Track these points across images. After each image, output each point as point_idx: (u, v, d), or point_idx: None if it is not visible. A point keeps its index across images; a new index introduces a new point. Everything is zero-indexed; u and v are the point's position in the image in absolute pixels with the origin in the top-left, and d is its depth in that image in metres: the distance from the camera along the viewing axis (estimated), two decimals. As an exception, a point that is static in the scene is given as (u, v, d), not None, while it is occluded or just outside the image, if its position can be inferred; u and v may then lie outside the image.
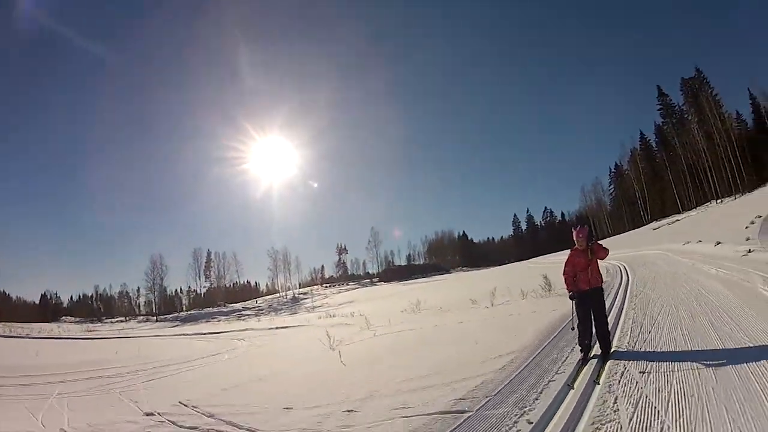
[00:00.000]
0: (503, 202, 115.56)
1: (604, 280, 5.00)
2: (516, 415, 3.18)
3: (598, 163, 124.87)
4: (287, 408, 4.78)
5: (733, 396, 2.78)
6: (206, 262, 76.17)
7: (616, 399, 3.12)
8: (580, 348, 4.60)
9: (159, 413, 5.73)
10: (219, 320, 52.15)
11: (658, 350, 4.27)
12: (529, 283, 14.20)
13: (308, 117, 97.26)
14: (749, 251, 9.79)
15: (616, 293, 8.83)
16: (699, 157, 46.74)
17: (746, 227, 14.93)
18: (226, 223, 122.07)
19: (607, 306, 5.51)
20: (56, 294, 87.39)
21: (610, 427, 2.73)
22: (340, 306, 44.66)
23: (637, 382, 3.36)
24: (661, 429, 2.53)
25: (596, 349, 4.52)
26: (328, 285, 79.26)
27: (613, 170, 68.36)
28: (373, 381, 5.32)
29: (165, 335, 32.53)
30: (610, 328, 4.76)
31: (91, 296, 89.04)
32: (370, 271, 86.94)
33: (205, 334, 28.68)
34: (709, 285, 7.54)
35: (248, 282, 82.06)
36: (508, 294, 14.18)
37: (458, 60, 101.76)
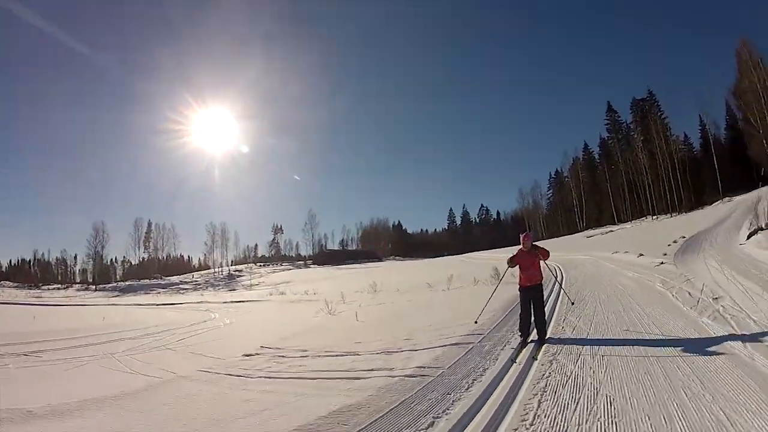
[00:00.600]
0: (440, 196, 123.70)
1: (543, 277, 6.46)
2: (499, 347, 5.58)
3: (539, 167, 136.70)
4: (357, 342, 6.95)
5: (627, 357, 5.02)
6: (146, 233, 79.12)
7: (549, 371, 4.28)
8: (519, 333, 5.88)
9: (257, 353, 7.40)
10: (158, 293, 54.63)
11: (584, 333, 6.04)
12: (474, 273, 17.06)
13: (251, 90, 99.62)
14: (661, 263, 13.12)
15: (552, 287, 11.66)
16: (640, 174, 53.25)
17: (669, 245, 18.75)
18: (166, 194, 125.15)
19: (544, 297, 7.32)
20: None
21: (547, 390, 3.72)
22: (278, 285, 46.35)
23: (563, 359, 4.63)
24: (582, 386, 3.71)
25: (534, 335, 5.86)
26: (262, 264, 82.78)
27: (553, 176, 75.16)
28: (403, 328, 7.66)
29: (119, 304, 34.56)
30: (546, 318, 6.10)
31: (30, 261, 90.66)
32: (303, 254, 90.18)
33: (163, 305, 30.85)
34: (624, 282, 10.60)
35: (181, 255, 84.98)
36: (458, 281, 17.00)
37: (405, 41, 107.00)
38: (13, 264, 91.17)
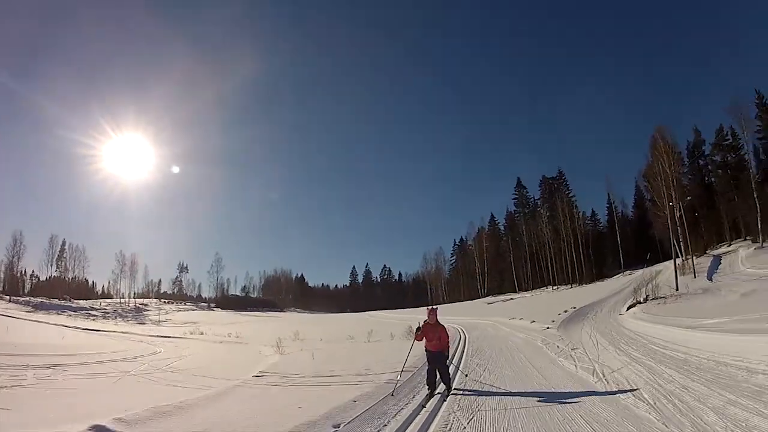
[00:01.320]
0: (344, 252, 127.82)
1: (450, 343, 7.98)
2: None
3: (444, 234, 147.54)
4: (331, 370, 9.72)
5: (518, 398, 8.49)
6: (60, 251, 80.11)
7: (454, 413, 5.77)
8: (427, 387, 7.20)
9: (262, 375, 9.75)
10: (70, 315, 54.80)
11: (483, 384, 8.24)
12: (388, 329, 20.16)
13: (164, 118, 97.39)
14: (547, 328, 17.04)
15: (457, 346, 14.83)
16: (543, 247, 60.47)
17: (559, 314, 23.06)
18: (78, 214, 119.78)
19: (451, 352, 10.08)
20: None
21: (454, 425, 5.24)
22: (185, 324, 48.56)
23: (468, 405, 6.20)
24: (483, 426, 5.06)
25: (440, 388, 7.29)
26: (166, 301, 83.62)
27: (457, 243, 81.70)
28: (357, 363, 10.36)
29: (47, 323, 35.56)
30: (451, 371, 7.78)
31: None
32: (204, 295, 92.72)
33: (93, 330, 32.67)
34: (515, 341, 14.25)
35: (85, 279, 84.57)
36: (376, 335, 20.02)
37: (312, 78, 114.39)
38: None
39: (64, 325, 34.90)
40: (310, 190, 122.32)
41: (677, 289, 22.07)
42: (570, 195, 61.82)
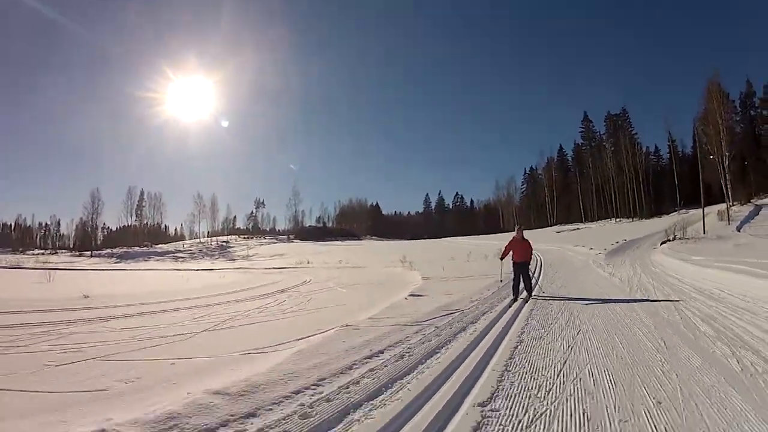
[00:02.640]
0: (416, 180, 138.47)
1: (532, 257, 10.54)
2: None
3: (513, 163, 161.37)
4: (467, 276, 17.28)
5: (582, 298, 15.73)
6: (138, 201, 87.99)
7: (532, 309, 8.22)
8: (512, 293, 9.65)
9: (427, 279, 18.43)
10: (158, 260, 61.86)
11: (555, 289, 16.17)
12: (478, 252, 27.70)
13: (230, 60, 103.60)
14: (599, 254, 24.02)
15: (536, 266, 21.96)
16: (607, 181, 65.63)
17: (612, 243, 29.66)
18: (145, 163, 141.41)
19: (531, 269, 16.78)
20: None
21: (533, 318, 7.22)
22: (273, 257, 56.49)
23: (543, 304, 8.99)
24: (556, 318, 7.30)
25: (523, 295, 9.83)
26: (245, 236, 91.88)
27: (528, 172, 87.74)
28: (477, 271, 18.01)
29: (158, 269, 40.01)
30: (533, 284, 10.67)
31: (11, 226, 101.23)
32: (278, 228, 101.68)
33: (205, 270, 36.27)
34: (575, 260, 21.43)
35: (158, 224, 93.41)
36: (471, 256, 27.56)
37: (394, 25, 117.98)
38: None
39: (172, 269, 38.41)
40: (387, 118, 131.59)
41: (704, 233, 28.25)
42: (632, 132, 66.40)
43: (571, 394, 3.67)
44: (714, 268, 12.25)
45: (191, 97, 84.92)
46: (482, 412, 3.42)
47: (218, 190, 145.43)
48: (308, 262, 38.44)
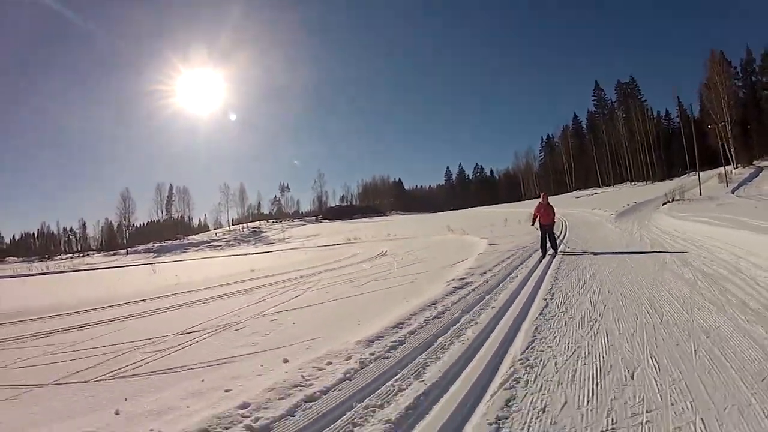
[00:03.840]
0: (435, 153, 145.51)
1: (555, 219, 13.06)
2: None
3: (530, 133, 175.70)
4: (513, 234, 24.47)
5: (602, 252, 22.67)
6: (168, 196, 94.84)
7: (560, 262, 10.50)
8: (540, 251, 11.91)
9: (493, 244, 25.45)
10: (197, 250, 67.58)
11: (576, 243, 22.71)
12: (510, 218, 34.80)
13: (244, 48, 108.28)
14: (611, 215, 30.95)
15: (562, 228, 28.72)
16: (621, 146, 72.06)
17: (623, 206, 36.54)
18: (167, 156, 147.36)
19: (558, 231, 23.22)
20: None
21: (561, 270, 9.28)
22: (308, 237, 63.11)
23: (570, 258, 11.87)
24: (583, 270, 9.25)
25: (549, 252, 12.13)
26: (274, 221, 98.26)
27: (545, 141, 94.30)
28: (517, 231, 25.14)
29: (217, 257, 44.61)
30: (558, 242, 12.83)
31: (34, 234, 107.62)
32: (302, 210, 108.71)
33: (263, 252, 41.71)
34: (593, 220, 28.49)
35: (181, 216, 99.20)
36: (508, 222, 34.49)
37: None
38: (15, 239, 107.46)
39: (230, 256, 43.43)
40: (404, 97, 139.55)
41: (700, 194, 35.06)
42: (642, 99, 72.79)
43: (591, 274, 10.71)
44: (687, 220, 18.37)
45: (203, 90, 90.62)
46: (554, 282, 8.12)
47: (238, 179, 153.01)
48: (356, 239, 44.46)
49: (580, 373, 3.60)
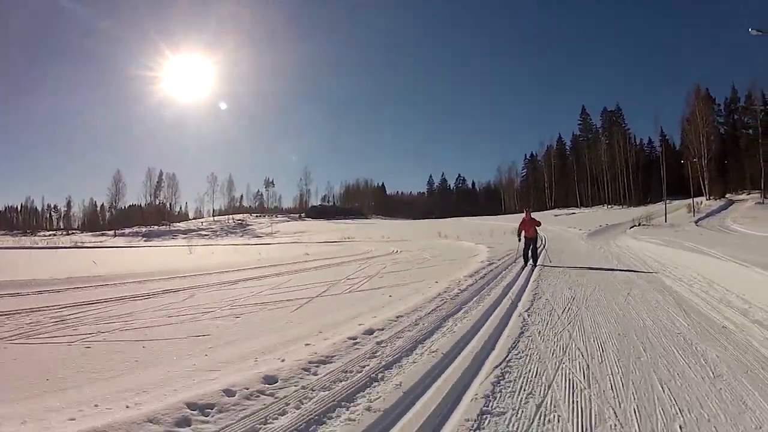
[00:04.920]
0: (419, 161, 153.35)
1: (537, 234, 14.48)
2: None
3: (513, 148, 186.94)
4: (500, 243, 29.78)
5: (572, 267, 28.07)
6: (157, 182, 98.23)
7: (539, 274, 11.51)
8: (523, 261, 13.56)
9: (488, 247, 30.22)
10: (185, 237, 69.38)
11: (553, 260, 28.64)
12: (494, 230, 40.24)
13: (231, 37, 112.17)
14: (585, 234, 36.55)
15: (540, 240, 34.12)
16: (601, 171, 78.51)
17: (598, 226, 42.22)
18: (152, 142, 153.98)
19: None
20: None
21: (540, 282, 10.00)
22: (295, 234, 67.24)
23: (547, 271, 14.78)
24: (556, 283, 10.40)
25: (530, 263, 13.50)
26: (257, 215, 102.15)
27: (528, 158, 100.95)
28: (504, 240, 30.43)
29: (214, 245, 46.96)
30: (538, 254, 14.35)
31: (17, 208, 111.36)
32: (284, 207, 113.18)
33: (263, 244, 43.28)
34: (567, 237, 34.00)
35: (162, 203, 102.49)
36: (493, 234, 39.83)
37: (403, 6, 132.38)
38: None
39: (233, 245, 46.58)
40: (392, 102, 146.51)
41: (666, 221, 40.97)
42: (626, 128, 79.14)
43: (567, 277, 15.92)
44: (642, 241, 23.87)
45: (191, 77, 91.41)
46: (537, 286, 9.78)
47: (217, 169, 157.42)
48: (349, 238, 48.86)
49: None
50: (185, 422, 2.90)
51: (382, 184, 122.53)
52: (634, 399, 3.43)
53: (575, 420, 3.10)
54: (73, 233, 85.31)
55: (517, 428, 3.00)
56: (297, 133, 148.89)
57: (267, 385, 3.56)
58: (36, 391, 3.70)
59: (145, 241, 67.08)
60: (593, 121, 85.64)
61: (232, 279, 12.03)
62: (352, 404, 3.36)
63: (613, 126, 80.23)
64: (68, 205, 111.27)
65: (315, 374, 3.89)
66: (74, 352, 4.94)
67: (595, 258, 17.18)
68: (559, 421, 3.08)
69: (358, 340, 4.97)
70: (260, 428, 2.92)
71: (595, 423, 3.05)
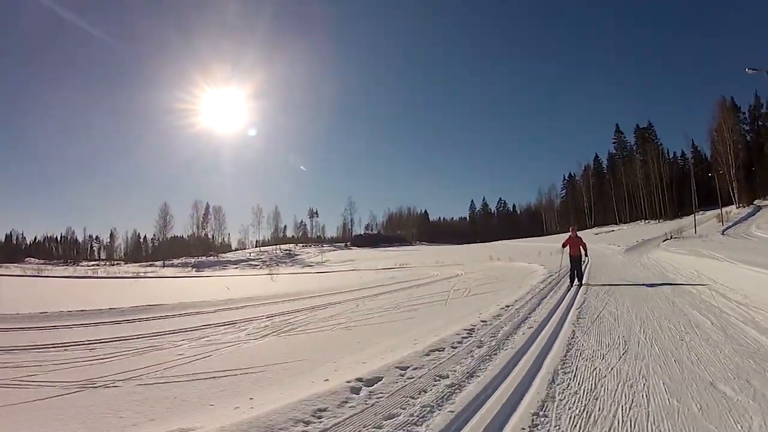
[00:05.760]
0: (459, 186, 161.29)
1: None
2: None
3: (552, 170, 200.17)
4: (547, 263, 35.97)
5: (619, 284, 33.95)
6: (204, 214, 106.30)
7: (587, 291, 13.19)
8: (570, 280, 14.59)
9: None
10: (236, 267, 75.04)
11: (599, 279, 34.72)
12: (540, 251, 46.19)
13: (263, 73, 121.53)
14: (623, 249, 42.27)
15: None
16: (637, 187, 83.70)
17: (635, 241, 47.79)
18: (190, 174, 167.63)
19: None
20: (22, 234, 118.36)
21: (588, 298, 11.62)
22: (345, 263, 71.51)
23: (593, 289, 15.44)
24: (604, 300, 11.84)
25: (576, 282, 14.64)
26: (303, 245, 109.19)
27: (566, 179, 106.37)
28: (552, 260, 36.59)
29: (284, 273, 57.95)
30: (583, 272, 15.66)
31: (56, 238, 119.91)
32: (327, 236, 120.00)
33: (328, 272, 50.06)
34: (607, 254, 39.68)
35: (205, 235, 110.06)
36: (541, 255, 45.74)
37: (431, 33, 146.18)
38: (36, 241, 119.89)
39: (305, 273, 51.15)
40: (433, 129, 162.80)
41: (696, 233, 46.33)
42: (658, 143, 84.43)
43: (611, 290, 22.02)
44: (671, 252, 29.45)
45: (226, 107, 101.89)
46: (585, 297, 12.74)
47: (258, 200, 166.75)
48: (404, 264, 53.62)
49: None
50: (458, 342, 8.16)
51: (425, 210, 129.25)
52: (632, 306, 9.76)
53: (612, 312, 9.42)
54: (116, 264, 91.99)
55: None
56: (338, 162, 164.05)
57: (474, 328, 9.50)
58: (358, 348, 7.33)
59: (196, 271, 70.75)
60: (627, 139, 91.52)
61: (371, 294, 16.40)
62: (521, 327, 8.86)
63: (646, 143, 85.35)
64: (111, 236, 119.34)
65: (499, 317, 10.01)
66: (339, 334, 8.70)
67: (629, 267, 23.29)
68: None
69: (504, 309, 10.74)
70: (474, 351, 8.73)
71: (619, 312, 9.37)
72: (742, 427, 3.53)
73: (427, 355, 6.12)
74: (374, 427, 3.71)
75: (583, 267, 16.42)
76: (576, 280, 14.74)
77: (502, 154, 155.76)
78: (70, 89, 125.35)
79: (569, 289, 13.83)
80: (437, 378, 5.07)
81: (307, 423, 3.76)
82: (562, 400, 4.30)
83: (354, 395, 4.44)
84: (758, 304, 9.00)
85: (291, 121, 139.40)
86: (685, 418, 3.73)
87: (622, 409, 3.98)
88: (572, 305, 10.74)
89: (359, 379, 4.88)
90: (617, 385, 4.67)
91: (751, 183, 67.31)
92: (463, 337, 7.27)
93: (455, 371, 5.35)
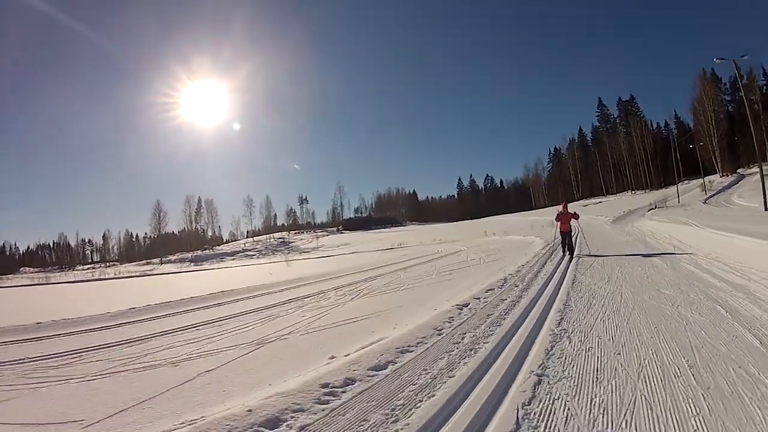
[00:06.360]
0: (446, 165, 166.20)
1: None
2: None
3: (538, 145, 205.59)
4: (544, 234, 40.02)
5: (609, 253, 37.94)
6: (197, 209, 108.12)
7: (578, 261, 14.46)
8: (562, 251, 16.25)
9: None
10: (233, 258, 76.60)
11: (589, 245, 38.68)
12: (532, 224, 50.25)
13: (250, 61, 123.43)
14: (610, 220, 46.41)
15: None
16: (622, 159, 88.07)
17: (621, 212, 51.82)
18: (179, 167, 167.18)
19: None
20: (14, 244, 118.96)
21: (578, 268, 12.87)
22: (339, 246, 73.67)
23: (584, 260, 17.09)
24: (592, 267, 13.66)
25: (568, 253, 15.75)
26: (295, 231, 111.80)
27: (552, 153, 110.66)
28: (546, 232, 40.59)
29: (296, 259, 62.47)
30: (574, 245, 16.54)
31: (49, 245, 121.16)
32: (317, 221, 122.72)
33: (331, 256, 52.20)
34: (595, 224, 43.83)
35: (196, 228, 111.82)
36: (533, 227, 49.71)
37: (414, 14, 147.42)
38: (30, 250, 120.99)
39: (308, 258, 53.07)
40: (418, 110, 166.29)
41: (678, 202, 50.47)
42: (641, 115, 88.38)
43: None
44: (654, 221, 33.05)
45: (209, 100, 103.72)
46: (578, 259, 17.01)
47: (248, 190, 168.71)
48: (401, 244, 55.62)
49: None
50: (500, 286, 12.54)
51: (414, 191, 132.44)
52: (615, 260, 13.65)
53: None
54: (113, 265, 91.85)
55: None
56: (325, 147, 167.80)
57: (506, 278, 13.54)
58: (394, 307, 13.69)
59: (195, 265, 71.52)
60: (610, 111, 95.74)
61: (400, 268, 19.13)
62: (539, 276, 13.04)
63: (629, 115, 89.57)
64: (104, 237, 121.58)
65: (519, 272, 13.79)
66: (410, 292, 12.16)
67: (615, 235, 27.42)
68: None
69: (520, 267, 14.49)
70: (498, 304, 12.96)
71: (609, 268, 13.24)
72: (672, 304, 7.36)
73: (486, 292, 9.85)
74: (481, 322, 7.24)
75: (573, 239, 17.96)
76: (567, 253, 16.03)
77: (487, 130, 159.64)
78: (51, 92, 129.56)
79: (564, 257, 15.93)
80: (501, 300, 8.91)
81: (450, 320, 7.37)
82: (576, 300, 8.24)
83: (459, 311, 8.08)
84: (706, 254, 12.90)
85: (277, 111, 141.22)
86: (642, 302, 7.61)
87: (608, 300, 7.96)
88: (571, 261, 14.40)
89: (457, 305, 8.47)
90: (605, 292, 8.74)
91: (734, 152, 70.65)
92: (502, 284, 11.00)
93: (510, 297, 9.21)
